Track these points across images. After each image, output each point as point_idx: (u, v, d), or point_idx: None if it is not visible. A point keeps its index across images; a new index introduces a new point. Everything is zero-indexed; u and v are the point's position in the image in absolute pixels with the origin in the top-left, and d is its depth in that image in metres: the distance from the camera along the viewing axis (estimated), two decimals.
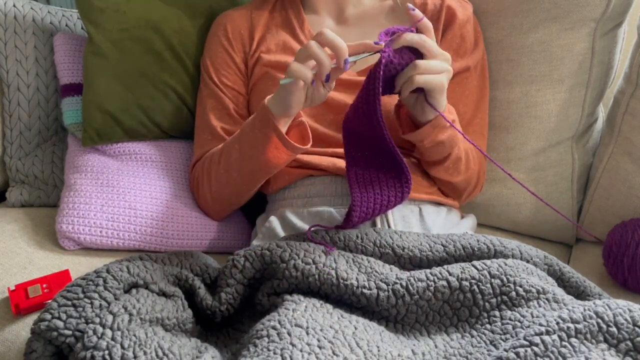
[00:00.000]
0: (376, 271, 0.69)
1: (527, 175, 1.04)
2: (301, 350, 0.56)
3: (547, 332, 0.55)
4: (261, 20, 0.99)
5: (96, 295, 0.62)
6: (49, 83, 1.10)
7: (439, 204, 0.91)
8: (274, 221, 0.89)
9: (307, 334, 0.58)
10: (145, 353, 0.57)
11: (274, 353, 0.55)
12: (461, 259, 0.74)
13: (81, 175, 0.95)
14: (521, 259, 0.74)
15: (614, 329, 0.55)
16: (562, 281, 0.74)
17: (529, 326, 0.61)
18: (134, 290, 0.66)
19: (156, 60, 1.01)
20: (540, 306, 0.64)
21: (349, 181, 0.80)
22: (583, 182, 1.06)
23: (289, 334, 0.58)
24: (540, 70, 1.00)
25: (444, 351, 0.63)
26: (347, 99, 0.88)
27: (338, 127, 0.90)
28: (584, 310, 0.56)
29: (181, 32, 1.03)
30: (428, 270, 0.69)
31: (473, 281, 0.67)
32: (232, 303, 0.71)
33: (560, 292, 0.67)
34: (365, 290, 0.67)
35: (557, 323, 0.56)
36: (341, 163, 0.87)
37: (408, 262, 0.74)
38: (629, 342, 0.54)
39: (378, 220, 0.83)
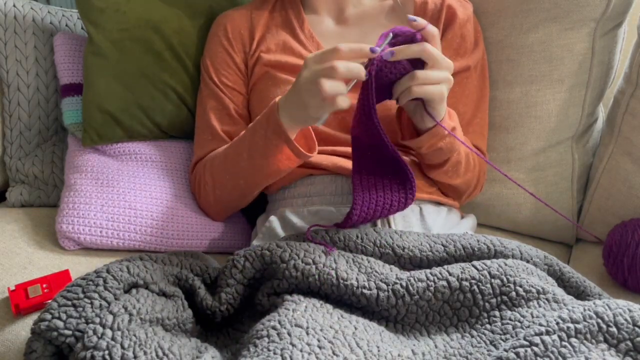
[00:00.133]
0: (376, 271, 0.69)
1: (527, 175, 1.04)
2: (301, 351, 0.56)
3: (547, 332, 0.55)
4: (261, 20, 0.99)
5: (96, 295, 0.62)
6: (49, 83, 1.11)
7: (439, 203, 0.91)
8: (274, 221, 0.89)
9: (307, 334, 0.58)
10: (145, 353, 0.57)
11: (274, 353, 0.55)
12: (461, 259, 0.74)
13: (81, 175, 0.95)
14: (521, 259, 0.74)
15: (614, 329, 0.55)
16: (562, 281, 0.74)
17: (529, 326, 0.61)
18: (134, 290, 0.66)
19: (156, 60, 1.01)
20: (540, 306, 0.64)
21: (353, 182, 0.79)
22: (583, 182, 1.06)
23: (289, 334, 0.58)
24: (540, 70, 1.00)
25: (444, 351, 0.63)
26: None
27: (338, 126, 0.90)
28: (584, 310, 0.56)
29: (181, 32, 1.03)
30: (428, 270, 0.69)
31: (473, 281, 0.67)
32: (232, 303, 0.71)
33: (560, 292, 0.67)
34: (365, 291, 0.67)
35: (557, 323, 0.56)
36: (341, 162, 0.87)
37: (408, 262, 0.74)
38: (629, 342, 0.54)
39: (378, 220, 0.83)
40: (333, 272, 0.68)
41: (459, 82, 0.94)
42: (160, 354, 0.58)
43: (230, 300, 0.71)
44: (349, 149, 0.88)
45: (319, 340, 0.58)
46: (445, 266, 0.69)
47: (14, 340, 0.74)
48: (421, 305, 0.67)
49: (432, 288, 0.67)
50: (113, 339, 0.57)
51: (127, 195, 0.94)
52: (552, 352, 0.53)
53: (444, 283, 0.67)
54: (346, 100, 0.71)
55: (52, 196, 1.07)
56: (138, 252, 0.92)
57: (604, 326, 0.55)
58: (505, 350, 0.55)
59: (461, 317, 0.67)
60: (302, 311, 0.62)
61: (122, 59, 1.00)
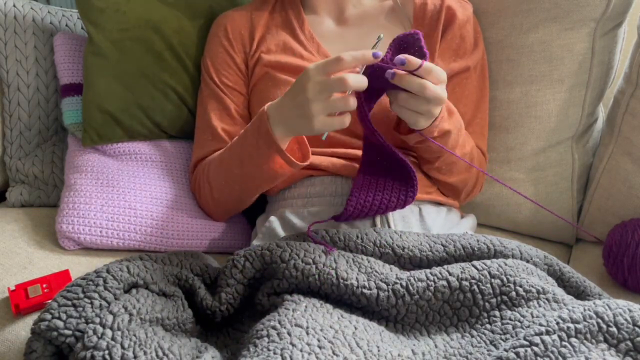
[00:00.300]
0: (376, 271, 0.69)
1: (527, 175, 1.04)
2: (301, 350, 0.56)
3: (547, 332, 0.55)
4: (261, 21, 0.99)
5: (96, 295, 0.62)
6: (49, 83, 1.11)
7: (439, 203, 0.91)
8: (274, 221, 0.89)
9: (307, 334, 0.58)
10: (145, 353, 0.57)
11: (274, 353, 0.55)
12: (461, 259, 0.74)
13: (81, 175, 0.95)
14: (521, 259, 0.74)
15: (614, 329, 0.55)
16: (562, 281, 0.74)
17: (529, 326, 0.61)
18: (134, 290, 0.66)
19: (156, 60, 1.01)
20: (540, 306, 0.64)
21: (356, 177, 0.80)
22: (583, 182, 1.06)
23: (289, 334, 0.58)
24: (540, 70, 1.00)
25: (444, 351, 0.63)
26: None
27: None
28: (584, 310, 0.56)
29: (181, 32, 1.03)
30: (428, 270, 0.69)
31: (473, 281, 0.67)
32: (232, 303, 0.71)
33: (560, 292, 0.67)
34: (365, 290, 0.67)
35: (557, 323, 0.56)
36: (341, 163, 0.87)
37: (408, 262, 0.74)
38: (629, 342, 0.54)
39: (378, 220, 0.83)
40: (333, 272, 0.68)
41: (459, 83, 0.94)
42: (160, 354, 0.58)
43: (230, 300, 0.71)
44: (348, 151, 0.88)
45: (319, 340, 0.58)
46: (445, 266, 0.69)
47: (14, 340, 0.74)
48: (421, 305, 0.67)
49: (432, 288, 0.67)
50: (113, 339, 0.57)
51: (127, 195, 0.94)
52: (552, 352, 0.53)
53: (444, 283, 0.67)
54: (349, 118, 0.73)
55: (52, 196, 1.07)
56: (138, 252, 0.92)
57: (604, 326, 0.55)
58: (505, 350, 0.55)
59: (461, 317, 0.67)
60: (302, 311, 0.62)
61: (122, 59, 1.00)
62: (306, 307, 0.64)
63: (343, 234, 0.77)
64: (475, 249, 0.74)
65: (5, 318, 0.77)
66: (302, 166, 0.80)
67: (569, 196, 1.04)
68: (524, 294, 0.65)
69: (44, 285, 0.78)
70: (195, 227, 0.96)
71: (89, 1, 0.98)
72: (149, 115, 1.02)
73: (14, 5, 1.09)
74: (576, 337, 0.54)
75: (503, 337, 0.63)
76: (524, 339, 0.55)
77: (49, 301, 0.67)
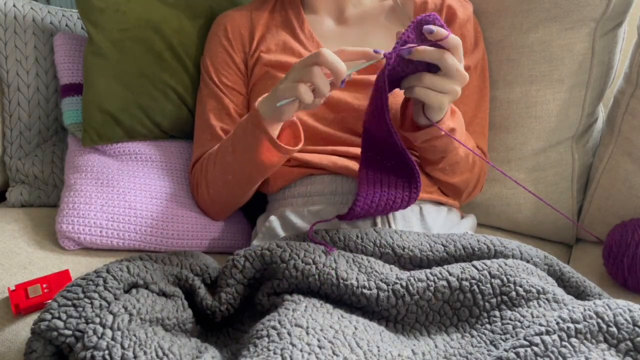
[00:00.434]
0: (376, 271, 0.69)
1: (527, 175, 1.04)
2: (301, 350, 0.56)
3: (547, 332, 0.55)
4: (261, 20, 0.99)
5: (96, 295, 0.62)
6: (49, 83, 1.11)
7: (439, 203, 0.91)
8: (274, 221, 0.89)
9: (307, 334, 0.58)
10: (145, 353, 0.57)
11: (274, 353, 0.55)
12: (461, 259, 0.74)
13: (81, 175, 0.95)
14: (521, 259, 0.74)
15: (614, 329, 0.55)
16: (562, 281, 0.74)
17: (529, 326, 0.61)
18: (134, 290, 0.66)
19: (156, 60, 1.01)
20: (540, 306, 0.64)
21: (359, 174, 0.79)
22: (583, 182, 1.06)
23: (289, 334, 0.58)
24: (540, 70, 1.00)
25: (444, 351, 0.63)
26: (347, 97, 0.88)
27: (338, 126, 0.90)
28: (584, 310, 0.56)
29: (181, 32, 1.03)
30: (428, 270, 0.69)
31: (473, 281, 0.67)
32: (232, 303, 0.71)
33: (560, 292, 0.67)
34: (365, 290, 0.67)
35: (557, 323, 0.56)
36: (341, 161, 0.87)
37: (408, 262, 0.74)
38: (629, 342, 0.54)
39: (378, 220, 0.83)
40: (333, 272, 0.68)
41: None
42: (160, 354, 0.58)
43: (230, 300, 0.71)
44: (349, 149, 0.88)
45: (319, 340, 0.58)
46: (446, 266, 0.69)
47: (14, 340, 0.74)
48: (421, 305, 0.67)
49: (432, 288, 0.67)
50: (113, 339, 0.57)
51: (127, 195, 0.94)
52: (552, 352, 0.53)
53: (444, 283, 0.67)
54: (309, 95, 0.71)
55: (52, 196, 1.07)
56: (138, 252, 0.92)
57: (604, 326, 0.55)
58: (506, 350, 0.55)
59: (461, 317, 0.67)
60: (302, 311, 0.62)
61: (122, 59, 1.00)
62: (306, 307, 0.64)
63: (343, 234, 0.77)
64: (476, 249, 0.74)
65: (5, 318, 0.77)
66: (292, 151, 0.80)
67: (569, 196, 1.04)
68: (524, 294, 0.65)
69: (44, 285, 0.78)
70: (195, 227, 0.96)
71: (89, 1, 0.98)
72: (149, 115, 1.02)
73: (14, 5, 1.09)
74: (576, 337, 0.54)
75: (503, 337, 0.63)
76: (524, 339, 0.55)
77: (49, 301, 0.67)
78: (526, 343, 0.55)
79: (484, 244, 0.75)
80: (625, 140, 0.97)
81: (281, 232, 0.87)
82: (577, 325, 0.55)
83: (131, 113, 1.01)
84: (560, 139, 1.02)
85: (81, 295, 0.62)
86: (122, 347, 0.57)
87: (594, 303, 0.57)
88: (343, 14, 0.98)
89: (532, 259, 0.74)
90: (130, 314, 0.61)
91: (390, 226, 0.82)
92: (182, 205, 0.97)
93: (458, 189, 0.93)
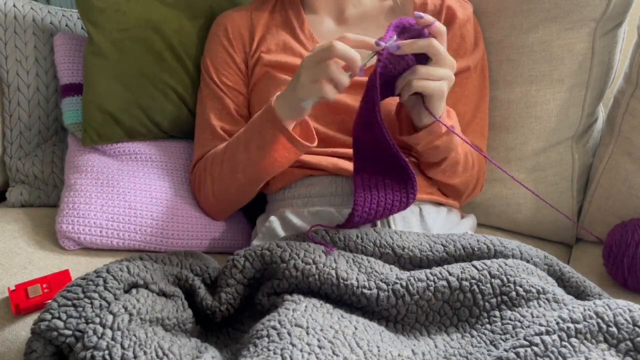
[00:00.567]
0: (376, 271, 0.69)
1: (527, 175, 1.04)
2: (301, 350, 0.56)
3: (547, 332, 0.55)
4: (261, 21, 0.99)
5: (96, 295, 0.62)
6: (49, 83, 1.10)
7: (439, 204, 0.91)
8: (274, 221, 0.89)
9: (307, 334, 0.58)
10: (145, 353, 0.57)
11: (274, 353, 0.55)
12: (461, 259, 0.74)
13: (81, 175, 0.95)
14: (521, 259, 0.74)
15: (614, 329, 0.55)
16: (562, 281, 0.74)
17: (529, 326, 0.61)
18: (134, 290, 0.66)
19: (156, 60, 1.01)
20: (540, 306, 0.64)
21: (355, 183, 0.79)
22: (583, 182, 1.06)
23: (289, 334, 0.58)
24: (540, 70, 1.00)
25: (444, 351, 0.63)
26: (347, 99, 0.88)
27: (338, 127, 0.90)
28: (584, 310, 0.56)
29: (181, 32, 1.03)
30: (428, 270, 0.69)
31: (473, 281, 0.67)
32: (232, 303, 0.71)
33: (560, 292, 0.67)
34: (365, 290, 0.67)
35: (557, 323, 0.56)
36: (341, 163, 0.87)
37: (408, 262, 0.74)
38: (629, 342, 0.54)
39: (378, 220, 0.83)
40: (333, 272, 0.68)
41: (459, 83, 0.94)
42: (160, 354, 0.58)
43: (230, 300, 0.71)
44: (349, 150, 0.88)
45: (319, 340, 0.58)
46: (445, 266, 0.69)
47: (14, 340, 0.74)
48: (421, 305, 0.67)
49: (432, 288, 0.67)
50: (113, 339, 0.57)
51: (127, 195, 0.94)
52: (552, 352, 0.53)
53: (444, 283, 0.67)
54: (332, 90, 0.72)
55: (52, 196, 1.07)
56: (138, 252, 0.92)
57: (604, 326, 0.55)
58: (506, 350, 0.55)
59: (461, 317, 0.67)
60: (302, 311, 0.62)
61: (122, 59, 1.00)
62: (306, 307, 0.64)
63: (343, 234, 0.77)
64: (476, 249, 0.74)
65: (5, 318, 0.77)
66: (308, 146, 0.80)
67: (569, 196, 1.04)
68: (524, 294, 0.65)
69: (44, 285, 0.78)
70: (195, 227, 0.96)
71: (89, 1, 0.98)
72: (149, 115, 1.02)
73: (14, 5, 1.09)
74: (576, 337, 0.54)
75: (503, 337, 0.63)
76: (524, 339, 0.55)
77: (49, 301, 0.67)
78: (526, 343, 0.55)
79: (484, 244, 0.75)
80: (625, 140, 0.97)
81: (281, 233, 0.87)
82: (577, 325, 0.55)
83: (131, 113, 1.01)
84: (560, 139, 1.02)
85: (81, 295, 0.62)
86: (122, 347, 0.57)
87: (594, 303, 0.57)
88: (343, 14, 0.98)
89: (532, 259, 0.74)
90: (130, 314, 0.61)
91: (390, 227, 0.82)
92: (182, 205, 0.97)
93: (458, 190, 0.93)
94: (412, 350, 0.61)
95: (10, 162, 1.09)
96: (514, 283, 0.66)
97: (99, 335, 0.57)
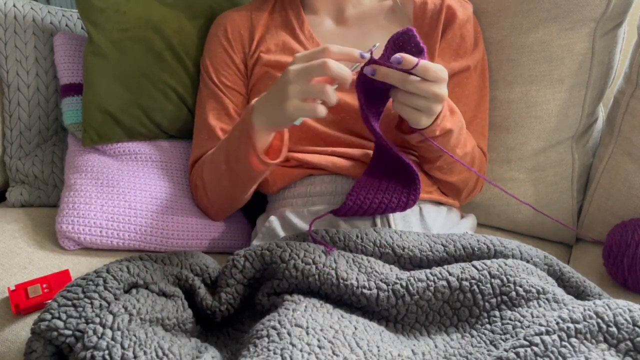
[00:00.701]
0: (376, 271, 0.69)
1: (527, 175, 1.04)
2: (301, 350, 0.56)
3: (547, 332, 0.55)
4: (261, 21, 0.99)
5: (96, 295, 0.62)
6: (49, 83, 1.11)
7: (439, 203, 0.91)
8: (274, 221, 0.89)
9: (307, 334, 0.58)
10: (145, 353, 0.57)
11: (274, 353, 0.55)
12: (461, 259, 0.74)
13: (81, 175, 0.95)
14: (521, 259, 0.74)
15: (614, 329, 0.55)
16: (562, 281, 0.74)
17: (529, 326, 0.61)
18: (134, 290, 0.66)
19: (156, 60, 1.01)
20: (540, 306, 0.64)
21: (361, 175, 0.80)
22: (583, 182, 1.06)
23: (289, 334, 0.58)
24: (540, 70, 1.00)
25: (444, 351, 0.63)
26: (347, 98, 0.88)
27: (338, 127, 0.90)
28: (584, 310, 0.56)
29: (181, 32, 1.03)
30: (428, 270, 0.69)
31: (473, 281, 0.67)
32: (232, 303, 0.71)
33: (560, 292, 0.67)
34: (365, 290, 0.67)
35: (557, 323, 0.56)
36: (341, 162, 0.87)
37: (408, 262, 0.74)
38: (629, 342, 0.54)
39: (378, 220, 0.83)
40: (333, 272, 0.68)
41: (459, 83, 0.94)
42: (160, 354, 0.58)
43: (230, 300, 0.71)
44: (348, 150, 0.88)
45: (319, 340, 0.58)
46: (445, 266, 0.69)
47: (14, 340, 0.74)
48: (421, 305, 0.67)
49: (432, 288, 0.67)
50: (113, 339, 0.57)
51: (127, 195, 0.94)
52: (552, 352, 0.53)
53: (444, 283, 0.67)
54: (324, 110, 0.70)
55: (52, 196, 1.07)
56: (138, 252, 0.92)
57: (604, 326, 0.55)
58: (505, 350, 0.55)
59: (461, 317, 0.67)
60: (302, 311, 0.62)
61: (122, 59, 1.00)
62: (306, 307, 0.64)
63: (343, 234, 0.77)
64: (475, 249, 0.74)
65: (5, 318, 0.77)
66: (273, 164, 0.79)
67: (569, 196, 1.04)
68: (524, 294, 0.65)
69: (44, 285, 0.78)
70: (195, 227, 0.96)
71: (89, 1, 0.98)
72: (149, 115, 1.02)
73: (14, 5, 1.09)
74: (576, 337, 0.54)
75: (503, 337, 0.63)
76: (524, 339, 0.55)
77: (49, 301, 0.67)
78: (526, 343, 0.55)
79: (484, 244, 0.75)
80: (625, 140, 0.97)
81: (281, 232, 0.87)
82: (577, 325, 0.55)
83: (131, 113, 1.01)
84: (560, 139, 1.02)
85: (81, 295, 0.62)
86: (122, 347, 0.57)
87: (594, 303, 0.57)
88: (343, 14, 0.98)
89: (532, 259, 0.74)
90: (130, 314, 0.61)
91: (390, 226, 0.82)
92: (182, 205, 0.97)
93: (457, 188, 0.93)
94: (412, 350, 0.61)
95: (10, 162, 1.09)
96: (514, 283, 0.66)
97: (99, 335, 0.57)
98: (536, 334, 0.55)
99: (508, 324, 0.64)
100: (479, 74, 0.97)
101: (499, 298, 0.66)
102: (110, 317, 0.59)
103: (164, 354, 0.58)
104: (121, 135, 1.01)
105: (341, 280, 0.67)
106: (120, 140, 1.02)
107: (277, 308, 0.64)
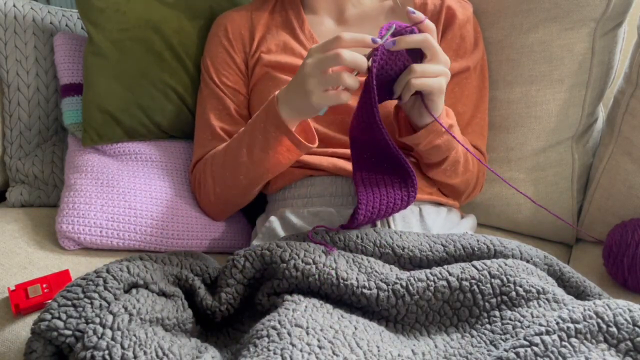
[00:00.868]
0: (376, 271, 0.69)
1: (527, 175, 1.04)
2: (301, 350, 0.56)
3: (547, 332, 0.55)
4: (261, 21, 0.99)
5: (96, 295, 0.62)
6: (49, 83, 1.11)
7: (439, 204, 0.91)
8: (274, 221, 0.89)
9: (307, 334, 0.58)
10: (145, 353, 0.57)
11: (274, 353, 0.55)
12: (461, 259, 0.74)
13: (81, 175, 0.95)
14: (521, 259, 0.74)
15: (614, 329, 0.55)
16: (562, 281, 0.74)
17: (529, 326, 0.61)
18: (134, 290, 0.66)
19: (156, 60, 1.01)
20: (540, 306, 0.64)
21: (355, 183, 0.80)
22: (583, 182, 1.06)
23: (289, 334, 0.58)
24: (540, 70, 1.00)
25: (444, 351, 0.63)
26: None
27: (338, 127, 0.90)
28: (584, 310, 0.56)
29: (181, 32, 1.03)
30: (428, 270, 0.69)
31: (473, 281, 0.67)
32: (232, 303, 0.71)
33: (560, 292, 0.67)
34: (365, 290, 0.67)
35: (557, 323, 0.56)
36: (341, 163, 0.87)
37: (408, 262, 0.74)
38: (629, 342, 0.54)
39: (378, 220, 0.83)
40: (333, 272, 0.68)
41: (458, 83, 0.94)
42: (160, 354, 0.58)
43: (230, 300, 0.71)
44: (349, 151, 0.88)
45: (319, 340, 0.58)
46: (445, 266, 0.69)
47: (14, 340, 0.74)
48: (421, 305, 0.67)
49: (432, 288, 0.67)
50: (113, 339, 0.57)
51: (127, 195, 0.94)
52: (552, 352, 0.53)
53: (444, 283, 0.67)
54: (348, 95, 0.72)
55: (52, 196, 1.07)
56: (138, 252, 0.92)
57: (604, 326, 0.55)
58: (506, 350, 0.55)
59: (461, 317, 0.67)
60: (302, 311, 0.62)
61: (122, 59, 1.00)
62: (306, 307, 0.64)
63: (343, 234, 0.77)
64: (475, 249, 0.74)
65: (5, 318, 0.77)
66: (310, 147, 0.81)
67: (569, 196, 1.04)
68: (524, 294, 0.65)
69: (44, 285, 0.78)
70: (195, 227, 0.96)
71: (89, 1, 0.98)
72: (149, 115, 1.02)
73: (14, 5, 1.09)
74: (576, 337, 0.54)
75: (503, 337, 0.63)
76: (524, 339, 0.55)
77: (49, 301, 0.67)
78: (526, 343, 0.55)
79: (484, 244, 0.75)
80: (625, 140, 0.97)
81: (281, 233, 0.87)
82: (577, 325, 0.55)
83: (131, 113, 1.01)
84: (560, 139, 1.02)
85: (81, 295, 0.62)
86: (122, 347, 0.57)
87: (594, 303, 0.57)
88: (343, 15, 0.98)
89: (532, 259, 0.74)
90: (130, 314, 0.61)
91: (390, 227, 0.82)
92: (182, 205, 0.97)
93: (458, 190, 0.93)
94: (412, 350, 0.61)
95: (10, 162, 1.09)
96: (514, 283, 0.66)
97: (99, 335, 0.57)
98: (536, 334, 0.55)
99: (508, 324, 0.64)
100: (479, 75, 0.97)
101: (499, 298, 0.66)
102: (110, 317, 0.59)
103: (164, 354, 0.58)
104: (121, 135, 1.01)
105: (341, 280, 0.67)
106: (120, 140, 1.02)
107: (277, 308, 0.64)
